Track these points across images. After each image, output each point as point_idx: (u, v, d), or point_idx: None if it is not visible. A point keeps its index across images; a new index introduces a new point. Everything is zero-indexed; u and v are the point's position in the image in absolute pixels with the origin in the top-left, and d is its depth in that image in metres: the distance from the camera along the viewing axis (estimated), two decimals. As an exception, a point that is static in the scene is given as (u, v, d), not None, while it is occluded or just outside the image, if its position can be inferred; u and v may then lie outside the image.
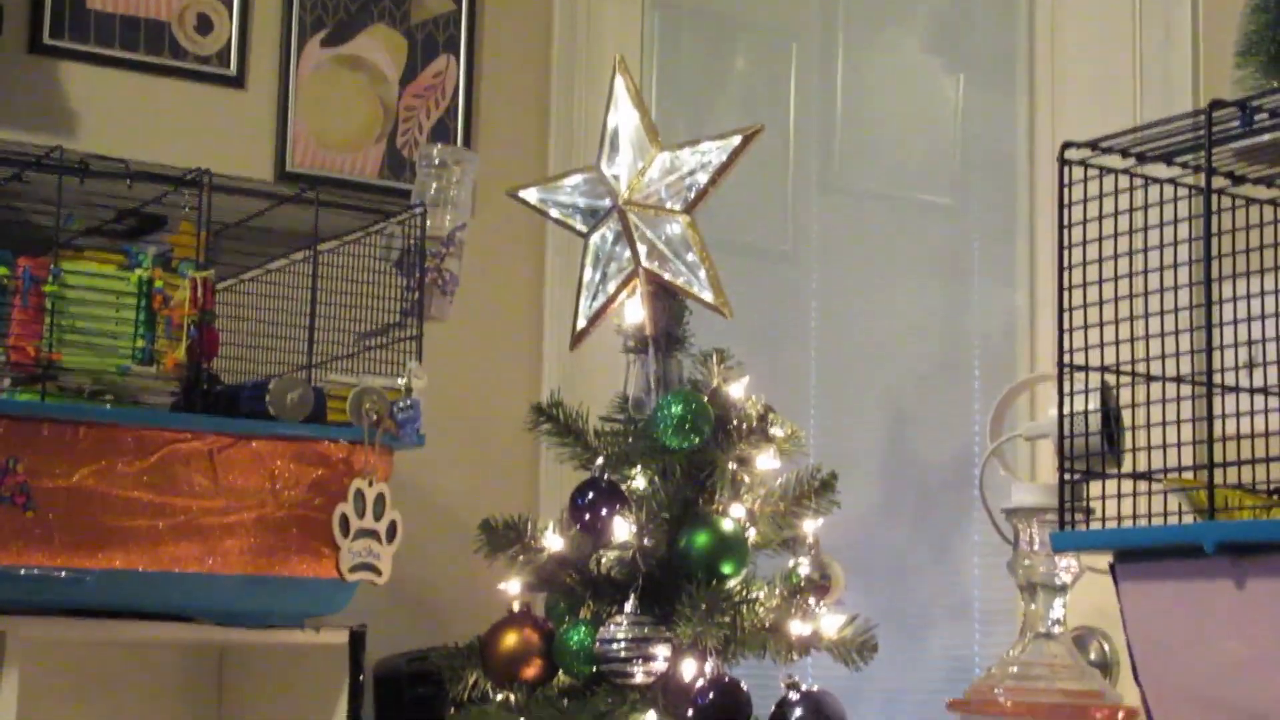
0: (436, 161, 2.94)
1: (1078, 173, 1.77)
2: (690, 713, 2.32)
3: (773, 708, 2.36)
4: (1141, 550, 1.61)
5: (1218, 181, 1.73)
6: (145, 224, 2.85)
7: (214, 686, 3.22)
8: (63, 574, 2.63)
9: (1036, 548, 1.87)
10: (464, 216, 2.94)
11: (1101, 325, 1.71)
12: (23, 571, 2.60)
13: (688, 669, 2.36)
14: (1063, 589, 1.88)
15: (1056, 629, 1.87)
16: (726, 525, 2.44)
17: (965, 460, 2.75)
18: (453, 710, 2.55)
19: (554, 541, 2.51)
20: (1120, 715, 1.79)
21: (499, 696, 2.49)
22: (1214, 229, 1.65)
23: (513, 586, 2.53)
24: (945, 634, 2.78)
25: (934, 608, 2.81)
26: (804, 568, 2.46)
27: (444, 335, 3.14)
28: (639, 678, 2.38)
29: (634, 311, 2.62)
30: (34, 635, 2.69)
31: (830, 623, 2.43)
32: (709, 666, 2.35)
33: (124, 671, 3.16)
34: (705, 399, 2.48)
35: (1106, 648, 1.91)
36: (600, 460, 2.51)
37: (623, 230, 2.64)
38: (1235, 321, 1.69)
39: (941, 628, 2.79)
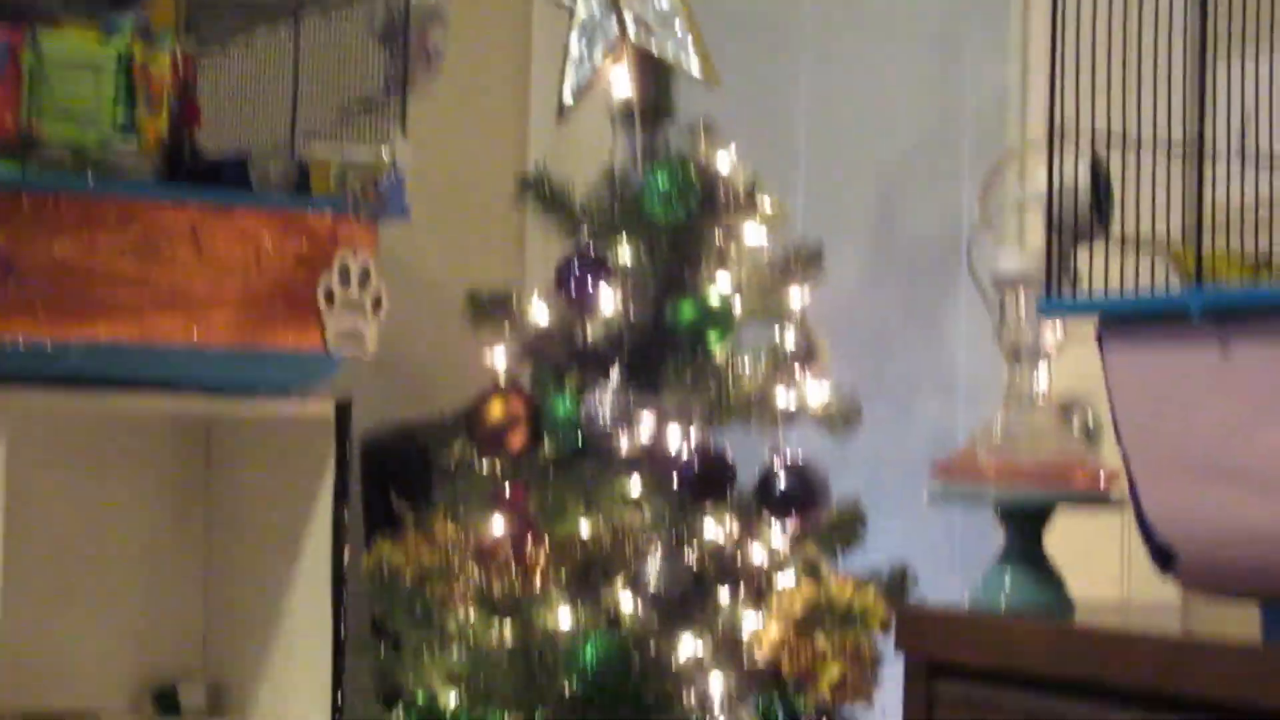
0: (420, -69, 2.89)
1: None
2: (675, 481, 2.34)
3: (758, 477, 2.39)
4: (1127, 317, 1.61)
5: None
6: (123, -8, 2.81)
7: (202, 460, 3.25)
8: (48, 345, 2.64)
9: (1023, 316, 1.87)
10: (449, -13, 2.90)
11: (1094, 93, 1.70)
12: (7, 343, 2.62)
13: (673, 439, 2.38)
14: (1047, 357, 1.88)
15: (1041, 398, 1.88)
16: (712, 297, 2.45)
17: (954, 231, 2.75)
18: (439, 481, 2.57)
19: (540, 314, 2.52)
20: (1102, 479, 1.81)
21: (485, 467, 2.51)
22: (1210, -7, 1.63)
23: (499, 358, 2.54)
24: (930, 405, 2.80)
25: (919, 379, 2.83)
26: (790, 339, 2.46)
27: (428, 108, 3.11)
28: (624, 448, 2.40)
29: (620, 83, 2.60)
30: (21, 407, 2.71)
31: (815, 393, 2.45)
32: (694, 436, 2.37)
33: (113, 446, 3.18)
34: (692, 170, 2.47)
35: (1090, 417, 1.91)
36: (586, 232, 2.51)
37: (610, 1, 2.61)
38: (1229, 89, 1.68)
39: (927, 399, 2.81)
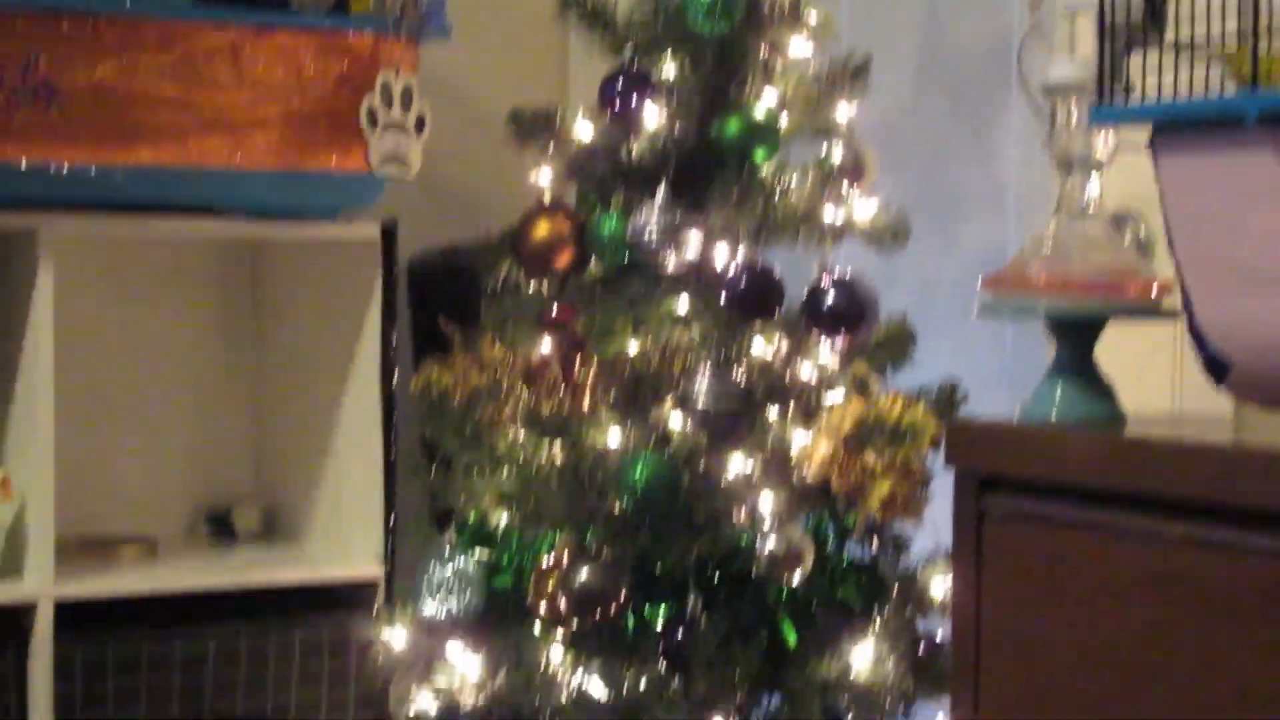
0: None
1: None
2: (723, 299, 2.33)
3: (805, 294, 2.38)
4: (1181, 123, 1.58)
5: None
6: None
7: (249, 285, 3.26)
8: (92, 170, 2.64)
9: (1074, 125, 1.84)
10: None
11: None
12: (52, 168, 2.62)
13: (720, 256, 2.37)
14: (1099, 166, 1.85)
15: (1092, 208, 1.85)
16: (758, 112, 2.41)
17: (1004, 41, 2.69)
18: (485, 302, 2.57)
19: (584, 131, 2.49)
20: (1154, 288, 1.79)
21: (531, 287, 2.50)
22: None
23: (543, 178, 2.52)
24: (980, 220, 2.77)
25: (969, 193, 2.79)
26: (837, 154, 2.44)
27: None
28: (671, 265, 2.39)
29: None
30: (67, 232, 2.72)
31: (863, 209, 2.43)
32: (742, 252, 2.35)
33: (160, 272, 3.19)
34: (737, -18, 2.43)
35: (1143, 229, 1.89)
36: (630, 48, 2.47)
37: None
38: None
39: (976, 214, 2.78)
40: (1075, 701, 1.61)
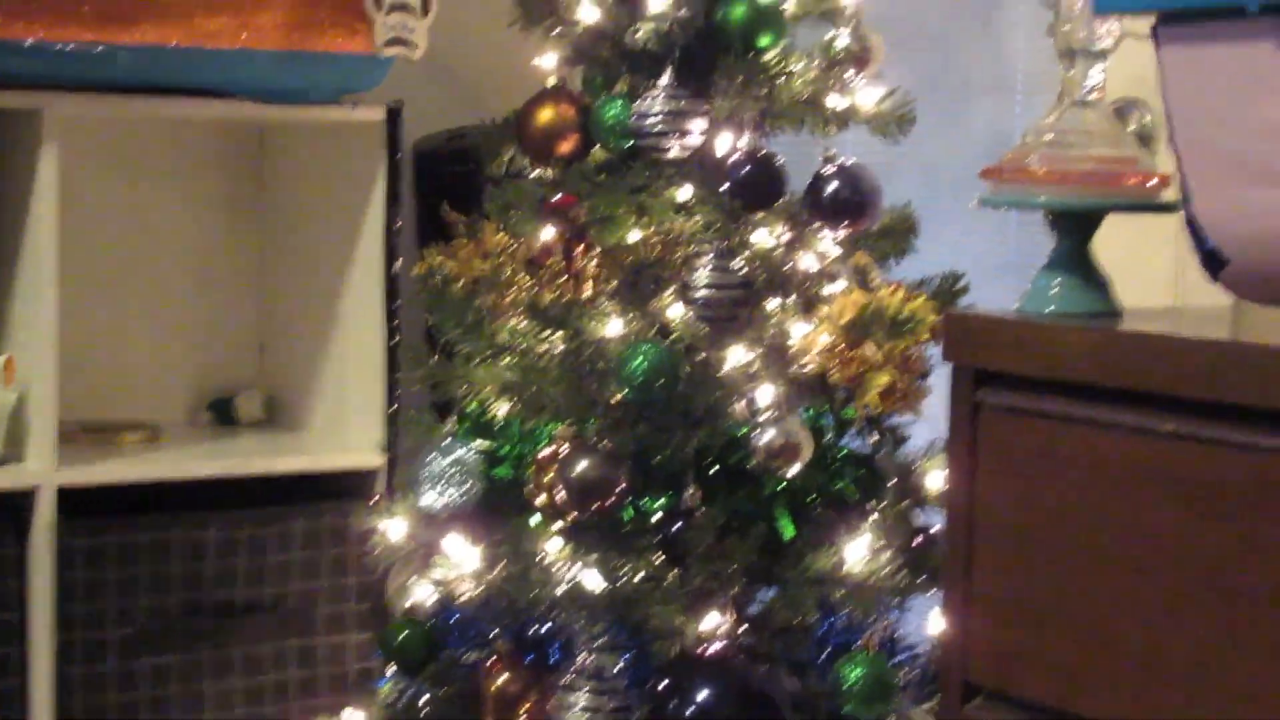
0: None
1: None
2: (726, 185, 2.32)
3: (808, 182, 2.36)
4: (1185, 11, 1.56)
5: None
6: None
7: (254, 169, 3.25)
8: (98, 48, 2.63)
9: (1078, 11, 1.81)
10: None
11: None
12: (56, 46, 2.61)
13: (723, 142, 2.35)
14: (1102, 55, 1.82)
15: (1095, 96, 1.82)
16: (764, -7, 2.39)
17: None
18: (489, 186, 2.56)
19: (589, 13, 2.46)
20: (1154, 181, 1.77)
21: (535, 172, 2.49)
22: None
23: (548, 61, 2.50)
24: (986, 106, 2.74)
25: (975, 79, 2.76)
26: (842, 39, 2.41)
27: None
28: (675, 151, 2.37)
29: None
30: (71, 112, 2.72)
31: (868, 95, 2.40)
32: (745, 140, 2.34)
33: (165, 153, 3.19)
34: None
35: (1146, 119, 1.86)
36: (637, -72, 2.45)
37: None
38: None
39: (982, 100, 2.75)
40: (1064, 590, 1.61)
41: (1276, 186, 1.49)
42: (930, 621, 2.33)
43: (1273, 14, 1.47)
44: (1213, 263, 1.59)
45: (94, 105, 2.73)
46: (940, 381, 1.88)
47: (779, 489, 2.34)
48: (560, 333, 2.36)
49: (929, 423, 2.27)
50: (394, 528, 2.47)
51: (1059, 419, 1.63)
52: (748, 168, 2.31)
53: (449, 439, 2.44)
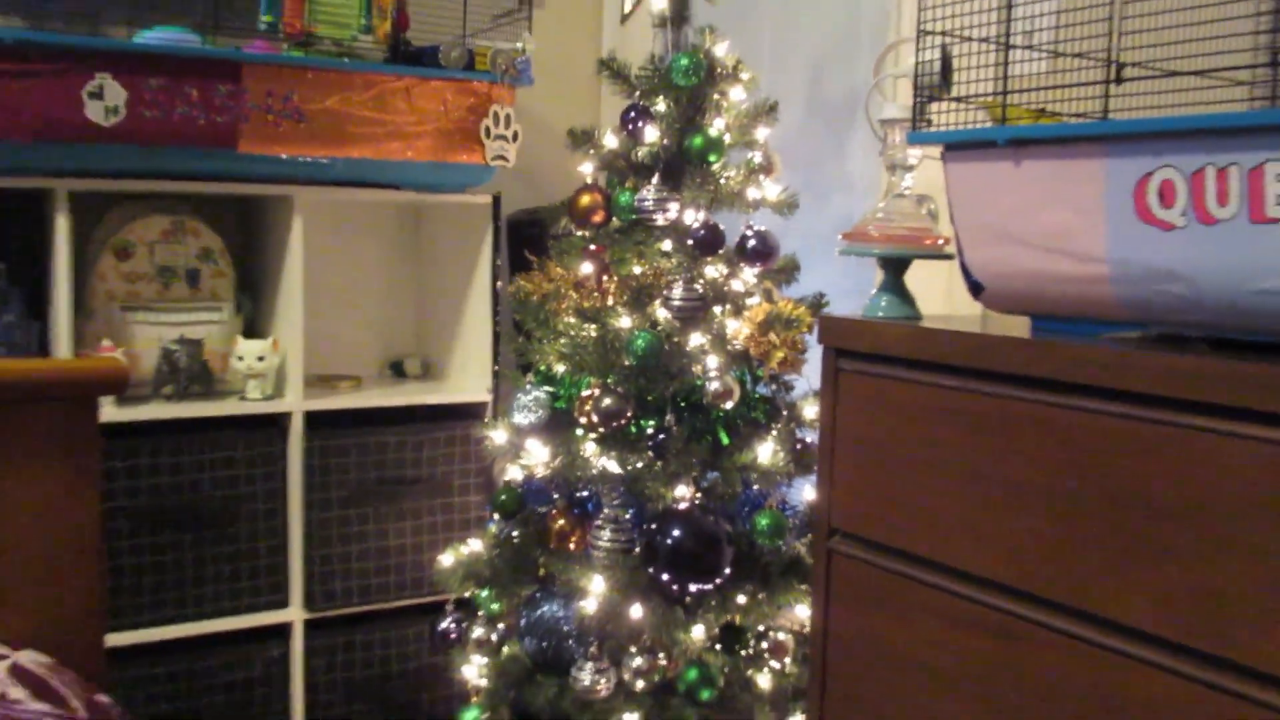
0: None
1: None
2: (690, 241, 2.31)
3: (738, 239, 2.35)
4: (961, 143, 1.56)
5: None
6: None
7: (414, 232, 3.24)
8: (325, 160, 2.62)
9: (898, 144, 1.81)
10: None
11: (945, 5, 1.61)
12: (300, 159, 2.60)
13: (689, 216, 2.34)
14: (911, 168, 1.82)
15: (907, 193, 1.82)
16: (712, 131, 2.37)
17: (858, 93, 2.65)
18: (552, 241, 2.55)
19: (611, 141, 2.45)
20: (941, 241, 1.77)
21: (579, 232, 2.48)
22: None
23: (586, 168, 2.48)
24: (839, 199, 2.73)
25: (832, 183, 2.75)
26: (758, 157, 2.40)
27: (541, 16, 3.01)
28: (660, 221, 2.36)
29: (659, 1, 2.49)
30: (310, 199, 2.71)
31: (772, 190, 2.39)
32: (701, 215, 2.33)
33: (363, 221, 3.18)
34: (701, 56, 2.37)
35: (934, 205, 1.86)
36: (638, 93, 2.43)
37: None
38: (1026, 3, 1.59)
39: (837, 195, 2.74)
40: (887, 475, 1.61)
41: (1013, 245, 1.49)
42: (807, 492, 2.34)
43: (1012, 146, 1.47)
44: (975, 289, 1.59)
45: (323, 194, 2.72)
46: (814, 356, 1.87)
47: (720, 415, 2.34)
48: (594, 325, 2.35)
49: (807, 379, 2.27)
50: (497, 435, 2.47)
51: (884, 377, 1.62)
52: (703, 231, 2.30)
53: (529, 385, 2.43)
